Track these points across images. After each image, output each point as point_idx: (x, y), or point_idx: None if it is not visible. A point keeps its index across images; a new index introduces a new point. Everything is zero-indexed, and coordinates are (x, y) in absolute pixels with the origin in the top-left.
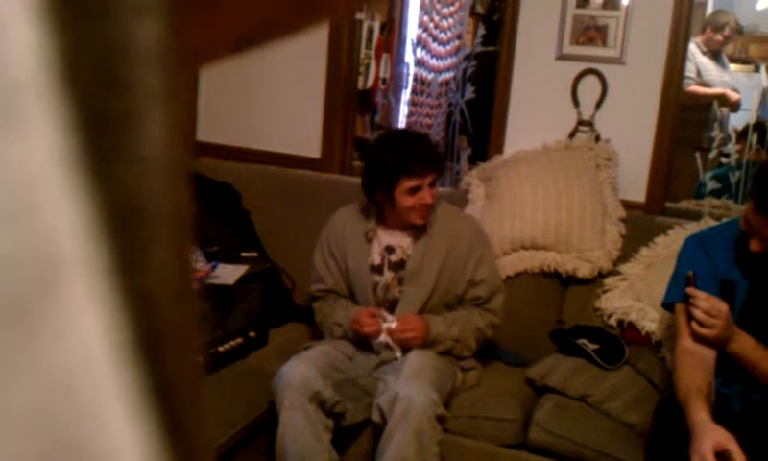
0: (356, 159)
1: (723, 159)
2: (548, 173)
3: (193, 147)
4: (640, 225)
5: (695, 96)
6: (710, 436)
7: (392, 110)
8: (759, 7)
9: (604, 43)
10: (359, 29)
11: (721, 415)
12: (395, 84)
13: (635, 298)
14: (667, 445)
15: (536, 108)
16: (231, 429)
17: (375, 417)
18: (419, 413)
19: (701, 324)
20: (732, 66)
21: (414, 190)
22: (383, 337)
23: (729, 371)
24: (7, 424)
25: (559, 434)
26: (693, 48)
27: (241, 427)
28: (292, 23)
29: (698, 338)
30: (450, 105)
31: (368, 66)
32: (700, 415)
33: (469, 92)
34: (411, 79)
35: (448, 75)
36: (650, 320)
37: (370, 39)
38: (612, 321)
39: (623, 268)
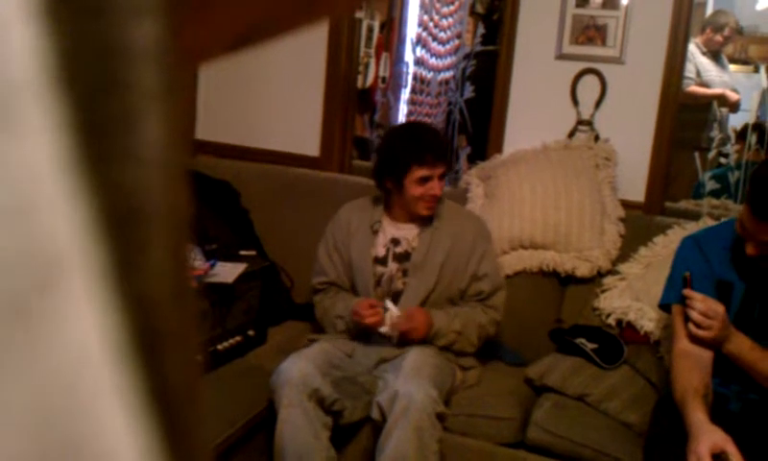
0: (355, 158)
1: (722, 160)
2: (547, 172)
3: (191, 146)
4: (639, 224)
5: (695, 96)
6: (708, 437)
7: (391, 109)
8: (759, 7)
9: (603, 43)
10: (359, 27)
11: (719, 415)
12: (394, 82)
13: (633, 297)
14: (665, 444)
15: (535, 107)
16: (230, 428)
17: (375, 414)
18: (418, 410)
19: (697, 325)
20: (732, 67)
21: (424, 180)
22: (386, 328)
23: (726, 371)
24: (5, 423)
25: (557, 433)
26: (693, 48)
27: (240, 426)
28: (290, 21)
29: (695, 339)
30: (450, 104)
31: (367, 65)
32: (697, 416)
33: (469, 91)
34: (410, 78)
35: (448, 74)
36: (648, 319)
37: (369, 38)
38: (611, 320)
39: (622, 268)
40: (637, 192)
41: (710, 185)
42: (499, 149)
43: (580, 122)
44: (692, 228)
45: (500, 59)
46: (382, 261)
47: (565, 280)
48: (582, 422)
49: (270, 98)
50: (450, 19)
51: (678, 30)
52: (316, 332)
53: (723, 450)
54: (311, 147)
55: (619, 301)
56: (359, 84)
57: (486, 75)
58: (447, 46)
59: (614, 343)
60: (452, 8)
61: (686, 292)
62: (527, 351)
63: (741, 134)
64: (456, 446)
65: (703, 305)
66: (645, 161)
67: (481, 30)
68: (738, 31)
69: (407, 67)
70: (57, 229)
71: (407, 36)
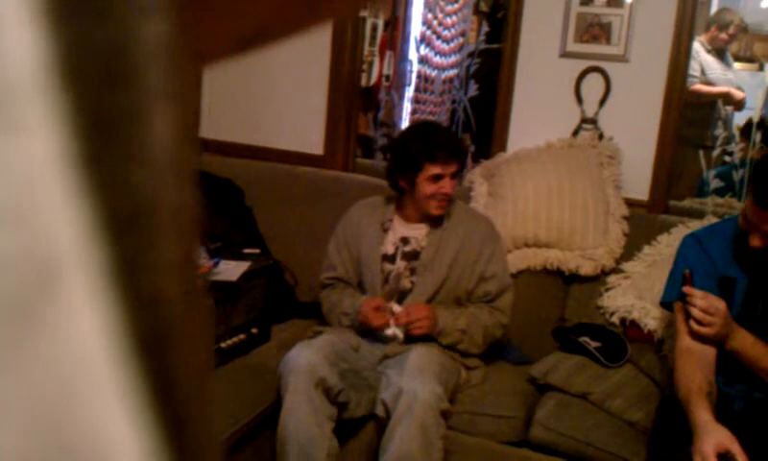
0: (359, 156)
1: (726, 158)
2: (551, 171)
3: (199, 145)
4: (643, 223)
5: (699, 94)
6: (713, 436)
7: (395, 108)
8: (764, 5)
9: (608, 41)
10: (363, 26)
11: (723, 415)
12: (398, 81)
13: (637, 296)
14: (669, 443)
15: (539, 105)
16: (234, 426)
17: (379, 411)
18: (423, 407)
19: (699, 322)
20: (737, 65)
21: (436, 178)
22: (392, 329)
23: (730, 370)
24: (4, 422)
25: (560, 432)
26: (697, 46)
27: (243, 424)
28: (295, 24)
29: (697, 336)
30: (454, 102)
31: (371, 64)
32: (701, 414)
33: (473, 90)
34: (414, 76)
35: (452, 72)
36: (652, 318)
37: (373, 37)
38: (615, 319)
39: (626, 266)
40: (642, 190)
41: (715, 184)
42: (503, 147)
43: (584, 120)
44: (696, 226)
45: (504, 57)
46: (390, 259)
47: (569, 279)
48: (585, 420)
49: (274, 96)
50: (454, 17)
51: (682, 28)
52: (323, 326)
53: (728, 450)
54: (315, 145)
55: (623, 299)
56: (363, 82)
57: (490, 73)
58: (452, 44)
59: (618, 341)
60: (456, 6)
61: (687, 289)
62: (531, 350)
63: (745, 132)
64: (460, 444)
65: (704, 302)
66: (649, 160)
67: (485, 28)
68: (743, 29)
69: (411, 66)
70: (57, 228)
71: (411, 34)
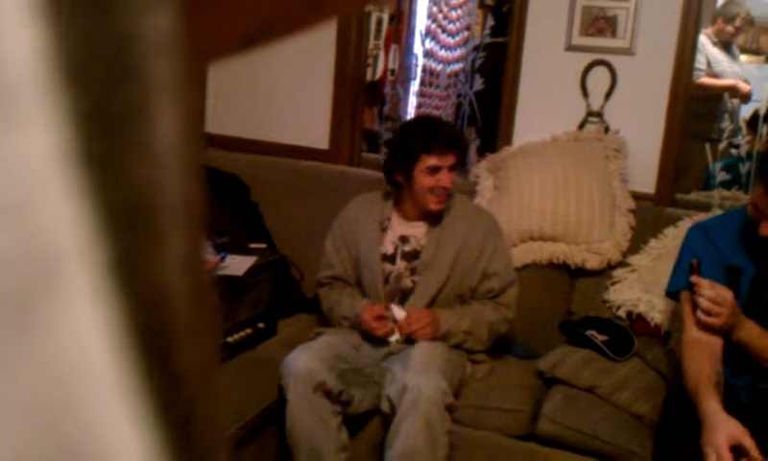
0: (364, 151)
1: (733, 151)
2: (557, 164)
3: (204, 139)
4: (649, 216)
5: (705, 87)
6: (725, 427)
7: (400, 102)
8: None
9: (613, 34)
10: (368, 20)
11: (730, 406)
12: (403, 75)
13: (643, 289)
14: (676, 436)
15: (545, 99)
16: (240, 420)
17: (384, 407)
18: (428, 402)
19: (706, 312)
20: (743, 57)
21: (433, 170)
22: (395, 337)
23: (737, 361)
24: (4, 422)
25: (567, 425)
26: (703, 39)
27: (250, 418)
28: (299, 21)
29: (704, 327)
30: (459, 96)
31: (376, 58)
32: (711, 405)
33: (478, 83)
34: (420, 70)
35: (457, 66)
36: (659, 311)
37: (378, 31)
38: (621, 312)
39: (632, 259)
40: (648, 184)
41: (721, 177)
42: (509, 141)
43: (590, 113)
44: (703, 219)
45: (510, 50)
46: (390, 259)
47: (576, 273)
48: (592, 413)
49: (279, 91)
50: (460, 11)
51: (688, 20)
52: (325, 326)
53: (740, 443)
54: (320, 140)
55: (629, 293)
56: (368, 76)
57: (495, 67)
58: (457, 38)
59: (625, 335)
60: None
61: (694, 279)
62: (537, 344)
63: (752, 125)
64: (466, 438)
65: (711, 292)
66: (655, 153)
67: (490, 21)
68: (749, 21)
69: (416, 59)
70: (57, 225)
71: (416, 28)
